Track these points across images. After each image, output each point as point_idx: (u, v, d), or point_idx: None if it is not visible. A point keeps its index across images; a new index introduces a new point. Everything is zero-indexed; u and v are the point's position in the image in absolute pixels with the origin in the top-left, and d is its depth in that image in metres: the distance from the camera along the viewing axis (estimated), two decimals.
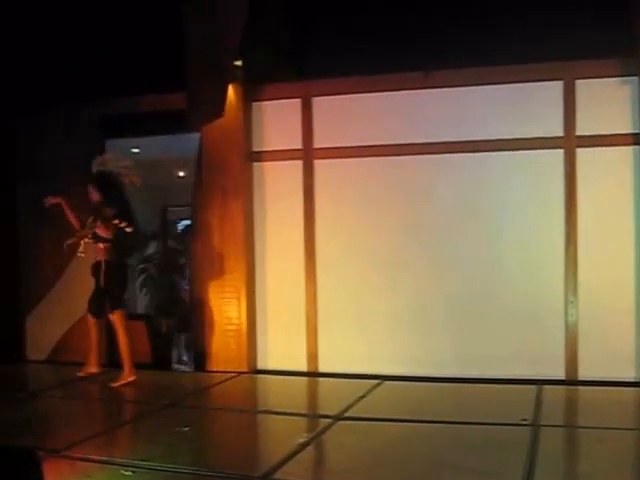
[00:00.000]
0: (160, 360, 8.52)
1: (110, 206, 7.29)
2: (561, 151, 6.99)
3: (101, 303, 7.54)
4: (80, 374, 7.66)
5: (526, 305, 7.09)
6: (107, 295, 7.49)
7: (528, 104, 7.10)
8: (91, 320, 7.66)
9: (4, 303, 8.81)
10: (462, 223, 7.31)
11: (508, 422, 5.60)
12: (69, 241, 7.42)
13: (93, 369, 7.75)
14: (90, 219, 7.37)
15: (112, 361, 8.25)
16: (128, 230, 7.24)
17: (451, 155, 7.30)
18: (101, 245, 7.41)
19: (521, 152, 7.10)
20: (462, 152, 7.26)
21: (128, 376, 7.39)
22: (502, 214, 7.26)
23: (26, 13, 7.66)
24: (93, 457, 5.00)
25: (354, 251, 7.61)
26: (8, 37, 7.74)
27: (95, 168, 7.57)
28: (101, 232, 7.35)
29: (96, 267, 7.51)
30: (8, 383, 7.60)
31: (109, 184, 7.44)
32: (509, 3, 6.89)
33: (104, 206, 7.30)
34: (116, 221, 7.20)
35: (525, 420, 5.61)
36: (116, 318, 7.46)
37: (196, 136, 8.06)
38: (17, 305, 8.93)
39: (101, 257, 7.44)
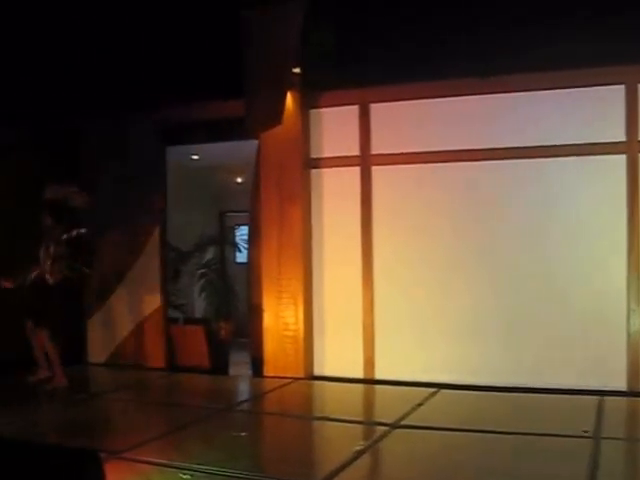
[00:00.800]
0: (218, 365, 8.59)
1: (63, 230, 7.56)
2: (623, 156, 6.85)
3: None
4: (33, 379, 7.62)
5: (587, 314, 6.94)
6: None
7: (589, 109, 6.96)
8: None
9: (67, 308, 8.97)
10: (520, 229, 7.21)
11: (568, 433, 5.50)
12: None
13: (44, 373, 7.71)
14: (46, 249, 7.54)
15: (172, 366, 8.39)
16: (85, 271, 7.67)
17: (509, 161, 7.21)
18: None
19: (581, 158, 6.97)
20: (520, 158, 7.16)
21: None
22: (561, 220, 7.12)
23: (96, 24, 7.81)
24: (152, 460, 5.06)
25: (411, 257, 7.57)
26: (78, 44, 7.89)
27: (48, 195, 7.72)
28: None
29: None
30: (70, 385, 7.72)
31: (61, 209, 7.64)
32: (569, 6, 6.77)
33: (57, 231, 7.56)
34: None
35: (586, 432, 5.49)
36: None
37: (254, 143, 8.11)
38: (79, 310, 9.09)
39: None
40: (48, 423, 6.29)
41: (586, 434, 5.45)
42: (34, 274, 7.49)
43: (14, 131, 8.36)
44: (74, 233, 7.53)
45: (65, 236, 7.50)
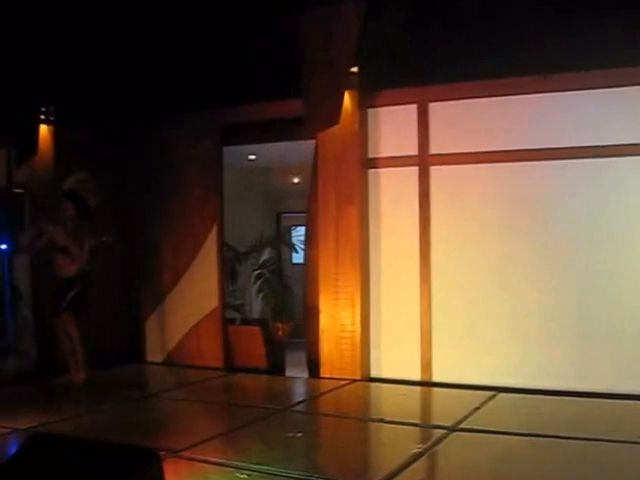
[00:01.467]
0: (275, 365, 8.60)
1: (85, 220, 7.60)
2: None
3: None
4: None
5: None
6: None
7: None
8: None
9: (125, 307, 9.11)
10: (583, 231, 7.03)
11: (635, 440, 5.33)
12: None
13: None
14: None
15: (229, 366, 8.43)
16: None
17: (570, 161, 7.03)
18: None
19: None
20: (581, 158, 6.97)
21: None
22: (624, 221, 6.92)
23: (159, 26, 7.91)
24: (210, 459, 5.07)
25: (470, 259, 7.46)
26: (139, 47, 8.00)
27: (70, 185, 7.75)
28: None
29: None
30: (129, 384, 7.82)
31: (84, 201, 7.65)
32: (626, 4, 6.60)
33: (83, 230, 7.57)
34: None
35: None
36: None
37: (311, 143, 8.10)
38: (137, 309, 9.20)
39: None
40: (107, 421, 6.34)
41: None
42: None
43: (97, 128, 8.56)
44: (102, 239, 7.55)
45: (93, 241, 7.52)
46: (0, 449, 5.36)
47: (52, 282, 7.60)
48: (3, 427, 5.99)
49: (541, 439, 5.49)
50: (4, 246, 7.51)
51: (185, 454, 5.18)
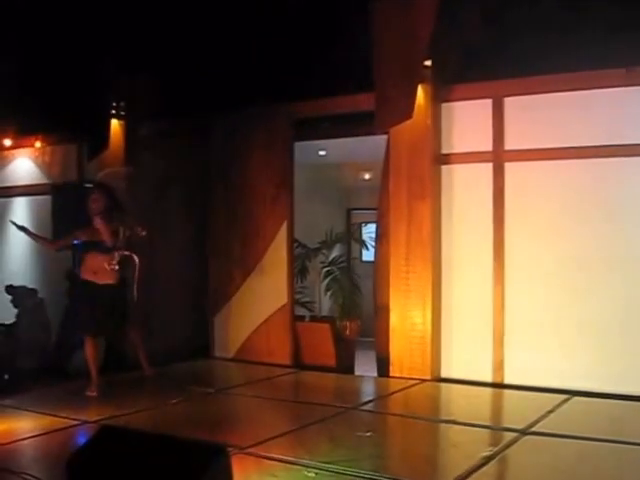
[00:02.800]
0: (344, 364, 8.54)
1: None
2: None
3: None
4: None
5: None
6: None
7: None
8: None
9: (194, 303, 9.17)
10: None
11: None
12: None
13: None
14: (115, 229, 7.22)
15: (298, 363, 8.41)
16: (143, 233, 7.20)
17: None
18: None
19: None
20: None
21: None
22: None
23: (234, 17, 7.96)
24: (278, 456, 5.04)
25: (545, 258, 7.25)
26: (213, 39, 8.05)
27: (105, 177, 7.68)
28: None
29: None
30: (198, 380, 7.86)
31: (113, 192, 7.37)
32: None
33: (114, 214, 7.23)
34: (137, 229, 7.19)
35: None
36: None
37: (382, 139, 8.00)
38: (206, 306, 9.25)
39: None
40: (175, 416, 6.38)
41: None
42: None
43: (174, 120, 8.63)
44: (138, 230, 7.21)
45: (128, 232, 7.22)
46: (69, 441, 5.45)
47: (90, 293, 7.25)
48: (73, 419, 6.08)
49: (615, 445, 5.31)
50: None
51: (252, 451, 5.16)
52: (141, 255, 7.26)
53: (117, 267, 7.14)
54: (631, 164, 6.89)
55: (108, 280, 7.17)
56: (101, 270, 7.15)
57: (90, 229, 7.20)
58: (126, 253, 7.17)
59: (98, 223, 7.09)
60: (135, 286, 7.21)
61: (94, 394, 7.03)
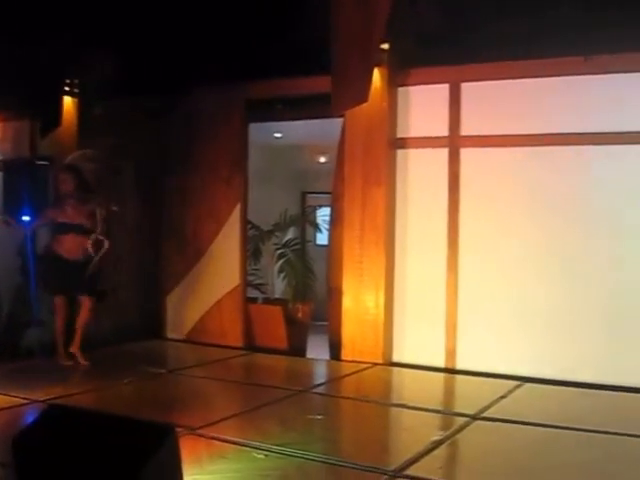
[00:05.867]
0: (296, 346, 8.51)
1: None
2: None
3: None
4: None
5: None
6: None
7: None
8: None
9: (146, 284, 9.06)
10: (621, 217, 6.82)
11: None
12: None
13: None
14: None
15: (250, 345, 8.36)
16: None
17: (608, 146, 6.83)
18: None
19: None
20: (620, 143, 6.77)
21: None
22: None
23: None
24: (228, 437, 5.03)
25: (499, 244, 7.29)
26: (165, 17, 7.92)
27: (74, 160, 7.63)
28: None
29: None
30: (148, 360, 7.78)
31: (82, 174, 7.51)
32: None
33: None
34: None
35: None
36: None
37: (339, 122, 7.95)
38: (158, 286, 9.15)
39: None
40: (124, 396, 6.32)
41: None
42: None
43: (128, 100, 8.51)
44: (112, 208, 7.50)
45: (103, 211, 7.42)
46: (17, 420, 5.35)
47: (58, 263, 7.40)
48: (22, 398, 6.00)
49: (565, 431, 5.37)
50: (27, 217, 7.49)
51: (203, 432, 5.14)
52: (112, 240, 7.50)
53: (91, 249, 7.36)
54: (587, 152, 6.95)
55: (77, 257, 7.34)
56: (74, 249, 7.34)
57: (61, 210, 7.37)
58: (100, 237, 7.39)
59: (70, 204, 7.32)
60: (97, 260, 7.41)
61: (70, 363, 7.28)
